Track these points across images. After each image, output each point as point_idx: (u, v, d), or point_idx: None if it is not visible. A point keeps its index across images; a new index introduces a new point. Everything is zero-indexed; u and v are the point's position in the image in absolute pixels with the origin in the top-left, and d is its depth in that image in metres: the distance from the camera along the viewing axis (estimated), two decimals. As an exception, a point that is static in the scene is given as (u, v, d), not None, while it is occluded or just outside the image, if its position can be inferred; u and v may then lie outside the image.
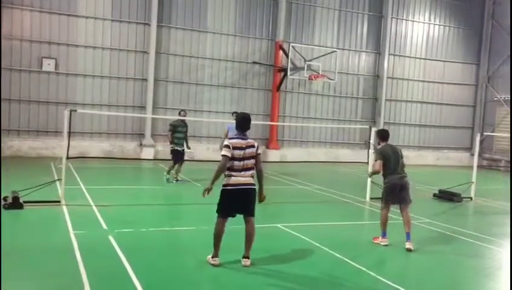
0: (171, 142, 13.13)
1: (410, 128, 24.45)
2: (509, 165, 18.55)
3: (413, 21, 24.00)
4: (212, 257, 6.36)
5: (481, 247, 8.27)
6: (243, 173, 6.26)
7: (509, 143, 23.94)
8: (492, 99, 24.94)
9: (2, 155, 15.80)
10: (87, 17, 18.48)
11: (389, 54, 23.40)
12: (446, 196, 12.99)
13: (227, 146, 6.24)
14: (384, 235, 7.97)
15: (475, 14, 25.06)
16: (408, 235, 7.71)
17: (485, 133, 21.83)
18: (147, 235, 7.79)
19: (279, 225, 8.63)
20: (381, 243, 7.90)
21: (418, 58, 24.26)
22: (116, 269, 6.01)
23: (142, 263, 6.32)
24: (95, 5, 18.55)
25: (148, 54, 19.23)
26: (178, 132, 13.18)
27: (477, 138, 14.03)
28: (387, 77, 23.45)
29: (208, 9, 20.35)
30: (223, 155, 6.26)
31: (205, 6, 20.29)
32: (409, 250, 7.53)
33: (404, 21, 23.81)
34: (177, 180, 13.40)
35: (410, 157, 23.70)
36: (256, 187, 6.42)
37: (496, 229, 9.91)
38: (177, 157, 13.19)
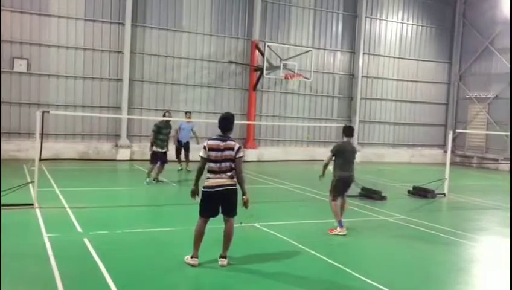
0: (153, 144, 12.91)
1: (385, 127, 24.78)
2: (510, 164, 18.90)
3: (386, 20, 24.33)
4: (192, 257, 6.33)
5: (455, 242, 8.44)
6: (219, 175, 6.19)
7: (480, 140, 24.51)
8: (464, 97, 25.46)
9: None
10: (59, 17, 18.15)
11: (364, 53, 23.66)
12: (420, 193, 13.22)
13: (204, 147, 6.26)
14: (341, 225, 8.40)
15: (447, 13, 25.55)
16: (340, 222, 8.43)
17: (457, 131, 22.28)
18: (122, 237, 7.71)
19: (257, 225, 8.65)
20: (340, 233, 8.30)
21: (391, 57, 24.60)
22: (91, 272, 5.93)
23: (118, 265, 6.26)
24: (67, 4, 18.24)
25: (122, 54, 19.01)
26: (161, 134, 13.03)
27: (450, 136, 14.32)
28: (362, 76, 23.72)
29: (183, 8, 20.23)
30: (200, 156, 6.30)
31: (180, 6, 20.17)
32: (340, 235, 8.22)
33: (378, 20, 24.11)
34: (156, 181, 13.21)
35: (385, 155, 24.13)
36: (239, 188, 6.38)
37: (469, 224, 10.13)
38: (156, 158, 13.00)
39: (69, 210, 9.32)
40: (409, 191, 13.53)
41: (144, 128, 19.25)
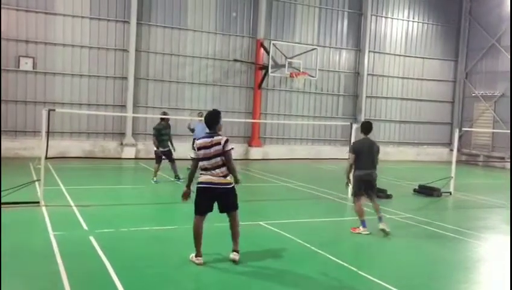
0: (158, 147, 13.05)
1: (390, 125, 24.70)
2: (510, 163, 18.80)
3: (392, 18, 24.23)
4: (196, 256, 6.34)
5: (461, 241, 8.40)
6: (211, 172, 6.23)
7: (486, 138, 24.39)
8: (470, 95, 25.33)
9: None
10: (65, 15, 18.21)
11: (369, 51, 23.58)
12: (426, 191, 13.16)
13: (193, 148, 6.39)
14: (364, 225, 8.26)
15: (453, 11, 25.41)
16: (380, 218, 8.21)
17: (463, 129, 22.18)
18: (128, 235, 7.73)
19: (261, 223, 8.64)
20: (362, 233, 8.19)
21: (397, 55, 24.50)
22: (97, 270, 5.95)
23: (123, 263, 6.27)
24: (72, 2, 18.29)
25: (128, 52, 19.04)
26: (162, 135, 13.12)
27: (456, 134, 14.25)
28: (368, 74, 23.65)
29: (188, 7, 20.24)
30: (190, 157, 6.38)
31: (185, 4, 20.17)
32: (383, 230, 8.05)
33: (383, 18, 24.02)
34: (178, 179, 13.14)
35: (390, 153, 24.03)
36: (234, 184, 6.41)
37: (475, 223, 10.08)
38: (160, 158, 13.10)
39: (75, 208, 9.35)
40: (414, 190, 13.49)
41: (149, 126, 19.19)
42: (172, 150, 13.35)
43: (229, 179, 6.29)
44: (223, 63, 20.99)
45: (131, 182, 13.38)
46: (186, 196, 6.46)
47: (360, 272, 6.27)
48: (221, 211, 6.40)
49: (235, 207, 6.40)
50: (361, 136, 8.45)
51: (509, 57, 23.10)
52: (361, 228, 8.24)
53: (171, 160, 13.27)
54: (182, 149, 19.50)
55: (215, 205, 6.39)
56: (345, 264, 6.59)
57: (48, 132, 9.52)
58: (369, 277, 6.12)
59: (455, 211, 12.00)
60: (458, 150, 16.15)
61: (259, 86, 21.23)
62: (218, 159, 6.20)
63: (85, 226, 8.03)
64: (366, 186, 8.32)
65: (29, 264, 6.10)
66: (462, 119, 25.65)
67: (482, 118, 24.80)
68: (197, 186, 6.32)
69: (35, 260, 6.32)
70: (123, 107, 19.14)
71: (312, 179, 15.20)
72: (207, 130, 6.48)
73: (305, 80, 21.77)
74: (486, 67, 24.65)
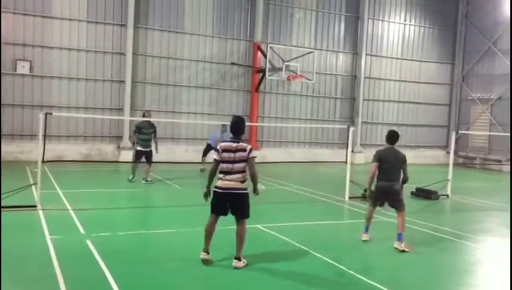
0: (134, 143, 13.53)
1: (387, 128, 24.57)
2: (510, 165, 18.83)
3: (389, 21, 24.30)
4: (202, 251, 6.52)
5: (458, 243, 8.41)
6: (229, 176, 6.37)
7: (483, 141, 24.45)
8: (467, 98, 25.40)
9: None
10: (62, 19, 18.18)
11: (366, 54, 23.62)
12: (423, 194, 13.18)
13: (217, 150, 6.52)
14: (366, 230, 8.13)
15: (449, 14, 25.50)
16: (399, 236, 7.72)
17: (460, 132, 22.23)
18: (125, 239, 7.71)
19: (259, 226, 8.63)
20: (362, 238, 8.07)
21: (394, 58, 24.55)
22: (94, 274, 5.93)
23: (121, 267, 6.25)
24: (70, 6, 18.27)
25: (125, 56, 19.03)
26: (142, 133, 13.35)
27: (453, 136, 14.29)
28: (365, 77, 23.68)
29: (185, 10, 20.25)
30: (214, 159, 6.57)
31: (182, 8, 20.19)
32: (396, 248, 7.60)
33: (380, 22, 24.08)
34: (146, 181, 13.46)
35: (388, 156, 24.01)
36: (249, 189, 6.53)
37: (473, 226, 10.10)
38: (139, 157, 13.47)
39: (71, 212, 9.32)
40: (412, 193, 13.50)
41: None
42: (155, 152, 13.57)
43: (245, 184, 6.45)
44: (220, 66, 20.99)
45: (128, 185, 13.35)
46: (206, 196, 6.60)
47: (358, 276, 6.27)
48: (232, 213, 6.52)
49: (246, 215, 6.52)
50: (387, 145, 8.06)
51: (509, 61, 23.18)
52: (363, 234, 8.12)
53: (149, 161, 13.48)
54: (179, 150, 19.60)
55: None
56: (343, 267, 6.59)
57: (44, 136, 9.50)
58: (366, 280, 6.12)
59: (452, 213, 12.02)
60: (455, 153, 16.20)
61: (257, 89, 21.24)
62: (241, 165, 6.36)
63: (82, 230, 8.00)
64: (388, 199, 7.96)
65: (25, 268, 6.08)
66: (459, 122, 25.70)
67: (479, 121, 24.87)
68: (214, 190, 6.47)
69: (31, 264, 6.29)
70: (120, 110, 19.12)
71: (309, 182, 15.20)
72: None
73: (302, 83, 21.79)
74: (483, 70, 24.73)
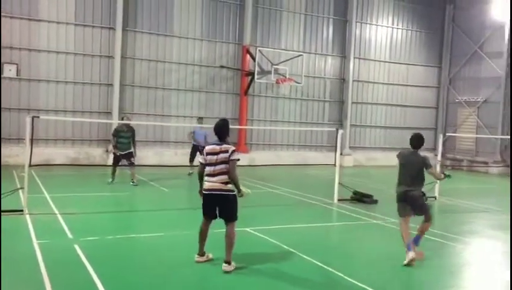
0: (114, 147, 13.68)
1: (376, 130, 24.89)
2: (510, 167, 18.97)
3: (377, 25, 24.47)
4: (197, 254, 6.63)
5: (446, 245, 8.48)
6: (213, 178, 6.39)
7: (470, 143, 24.70)
8: (454, 101, 25.65)
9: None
10: (49, 22, 18.06)
11: (354, 58, 23.77)
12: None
13: (202, 153, 6.60)
14: (408, 248, 7.04)
15: (436, 18, 25.76)
16: (416, 239, 7.30)
17: (447, 134, 22.41)
18: (113, 243, 7.67)
19: (248, 229, 8.63)
20: (412, 257, 6.93)
21: (382, 61, 24.73)
22: (82, 279, 5.88)
23: (109, 271, 6.21)
24: (57, 9, 18.16)
25: (113, 59, 18.94)
26: (121, 137, 13.54)
27: (440, 139, 14.42)
28: (353, 80, 23.82)
29: (174, 13, 20.23)
30: (199, 162, 6.65)
31: (171, 11, 20.16)
32: (411, 260, 6.93)
33: (368, 25, 24.25)
34: (133, 183, 13.69)
35: (376, 159, 24.21)
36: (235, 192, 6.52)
37: (460, 227, 10.18)
38: (118, 160, 13.74)
39: (59, 216, 9.25)
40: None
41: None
42: (134, 154, 13.82)
43: (231, 186, 6.44)
44: (209, 70, 20.98)
45: (116, 189, 13.28)
46: (201, 195, 6.64)
47: (347, 278, 6.30)
48: (220, 216, 6.54)
49: (233, 218, 6.50)
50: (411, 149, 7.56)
51: (495, 64, 23.47)
52: (409, 253, 6.99)
53: (131, 163, 13.73)
54: (168, 154, 19.54)
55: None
56: (331, 269, 6.61)
57: (31, 139, 9.42)
58: (356, 282, 6.15)
59: (440, 215, 12.08)
60: (442, 155, 16.31)
61: (246, 92, 21.26)
62: (223, 166, 6.37)
63: (70, 235, 7.94)
64: (404, 206, 7.33)
65: (12, 273, 6.01)
66: (446, 125, 25.95)
67: (466, 124, 25.13)
68: (202, 192, 6.53)
69: (18, 268, 6.23)
70: (108, 113, 19.02)
71: (298, 185, 15.24)
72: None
73: (291, 86, 21.86)
74: (470, 73, 25.00)
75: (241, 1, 21.17)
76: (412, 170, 7.32)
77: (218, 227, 6.75)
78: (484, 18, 23.72)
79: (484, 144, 23.75)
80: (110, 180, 13.75)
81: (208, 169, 6.44)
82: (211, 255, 6.70)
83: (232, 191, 6.45)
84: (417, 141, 7.55)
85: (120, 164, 14.01)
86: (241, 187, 6.47)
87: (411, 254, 6.93)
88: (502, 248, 8.58)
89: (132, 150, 13.76)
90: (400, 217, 7.44)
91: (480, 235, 9.81)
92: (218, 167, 6.37)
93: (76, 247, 7.14)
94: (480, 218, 11.56)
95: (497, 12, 22.63)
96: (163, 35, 20.03)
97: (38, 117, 10.43)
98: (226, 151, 6.40)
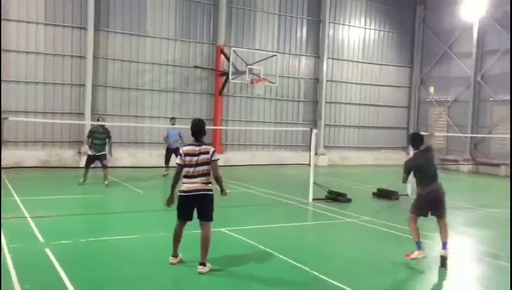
0: (90, 147, 13.70)
1: (349, 130, 25.16)
2: (510, 168, 19.32)
3: (349, 26, 24.75)
4: (171, 256, 6.56)
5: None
6: (193, 179, 6.34)
7: (441, 142, 25.21)
8: (425, 100, 26.15)
9: None
10: (18, 21, 17.66)
11: (328, 58, 23.99)
12: (384, 194, 13.46)
13: (180, 155, 6.44)
14: (418, 247, 7.16)
15: (407, 19, 26.21)
16: (444, 244, 7.17)
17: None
18: (86, 246, 7.54)
19: (223, 229, 8.61)
20: (418, 257, 7.11)
21: (355, 61, 25.03)
22: (53, 283, 5.77)
23: (82, 275, 6.11)
24: (27, 8, 17.77)
25: (85, 59, 18.65)
26: (95, 138, 13.55)
27: (412, 138, 14.63)
28: (327, 80, 24.03)
29: (147, 13, 20.03)
30: (176, 163, 6.49)
31: (144, 10, 19.96)
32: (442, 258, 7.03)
33: (341, 26, 24.50)
34: (107, 185, 13.62)
35: (350, 158, 24.48)
36: (213, 192, 6.50)
37: (432, 225, 10.22)
38: (91, 161, 13.73)
39: (30, 219, 9.05)
40: (373, 193, 13.76)
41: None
42: (109, 156, 13.86)
43: (211, 186, 6.43)
44: (184, 70, 20.86)
45: (89, 191, 13.07)
46: (169, 202, 6.55)
47: (321, 276, 6.35)
48: (198, 217, 6.48)
49: (211, 218, 6.50)
50: (414, 150, 7.39)
51: (464, 64, 24.01)
52: (416, 251, 7.13)
53: (104, 165, 13.71)
54: (143, 155, 19.34)
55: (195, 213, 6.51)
56: (306, 268, 6.65)
57: (0, 141, 9.19)
58: (331, 280, 6.20)
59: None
60: (414, 154, 16.57)
61: (220, 93, 21.22)
62: (205, 167, 6.34)
63: (41, 238, 7.78)
64: (430, 207, 7.21)
65: (-19, 280, 5.85)
66: (418, 124, 26.43)
67: (437, 123, 25.65)
68: (179, 195, 6.42)
69: (-13, 274, 6.06)
70: (81, 114, 18.71)
71: (274, 185, 15.29)
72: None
73: (266, 86, 21.92)
74: (440, 73, 25.53)
75: (214, 1, 21.13)
76: (432, 169, 7.22)
77: (191, 228, 6.72)
78: (453, 19, 24.23)
79: (455, 142, 24.29)
80: (82, 180, 13.65)
81: (186, 170, 6.36)
82: (181, 256, 6.66)
83: (211, 190, 6.43)
84: (416, 140, 7.45)
85: (93, 165, 13.86)
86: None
87: (423, 252, 7.09)
88: (472, 245, 8.79)
89: (106, 152, 13.70)
90: (415, 215, 7.30)
91: (453, 232, 9.99)
92: (200, 168, 6.32)
93: (48, 251, 6.99)
94: (452, 215, 11.72)
95: (466, 13, 23.14)
96: (136, 35, 19.83)
97: (7, 118, 10.20)
98: (207, 153, 6.35)
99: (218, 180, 6.48)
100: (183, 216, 6.50)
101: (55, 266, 6.35)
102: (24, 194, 11.70)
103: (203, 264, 6.33)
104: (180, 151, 6.49)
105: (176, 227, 6.57)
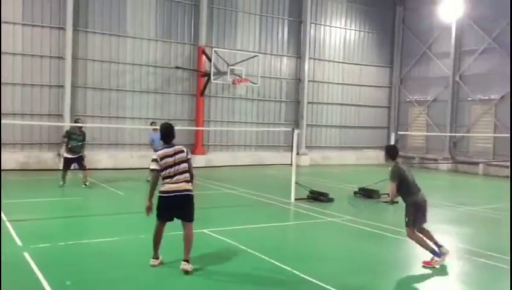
0: (65, 150, 13.64)
1: (331, 130, 25.30)
2: (510, 168, 19.52)
3: (330, 26, 24.90)
4: (152, 258, 6.51)
5: (399, 240, 8.69)
6: (175, 178, 6.36)
7: (421, 141, 25.52)
8: (405, 100, 26.44)
9: None
10: (-5, 21, 17.36)
11: (309, 58, 24.09)
12: (366, 193, 13.56)
13: (155, 160, 6.41)
14: (435, 254, 7.04)
15: (387, 19, 26.48)
16: (438, 245, 7.14)
17: (399, 133, 23.06)
18: (65, 250, 7.43)
19: (205, 231, 8.57)
20: (435, 265, 6.98)
21: (336, 62, 25.18)
22: (33, 288, 5.67)
23: (61, 278, 6.01)
24: (3, 8, 17.42)
25: (64, 60, 18.40)
26: (72, 140, 13.48)
27: (393, 137, 14.80)
28: (308, 81, 24.13)
29: (127, 13, 19.85)
30: (151, 169, 6.44)
31: (124, 10, 19.77)
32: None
33: (322, 26, 24.63)
34: (85, 186, 13.58)
35: (332, 158, 24.61)
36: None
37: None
38: (68, 163, 13.61)
39: (7, 223, 8.87)
40: (355, 193, 13.85)
41: (88, 136, 18.56)
42: (82, 155, 13.74)
43: (191, 185, 6.48)
44: (165, 70, 20.73)
45: (69, 193, 12.89)
46: (148, 210, 6.47)
47: (302, 275, 6.36)
48: (179, 217, 6.47)
49: (192, 218, 6.52)
50: (395, 160, 7.38)
51: (442, 64, 24.34)
52: (435, 258, 7.03)
53: (82, 166, 13.64)
54: (123, 156, 19.16)
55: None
56: (288, 268, 6.66)
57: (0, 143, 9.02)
58: (314, 280, 6.22)
59: (394, 212, 12.35)
60: (395, 153, 16.73)
61: (202, 93, 21.14)
62: (184, 165, 6.40)
63: (19, 242, 7.64)
64: (424, 213, 7.21)
65: (-44, 285, 5.72)
66: (398, 123, 26.71)
67: (416, 122, 25.95)
68: (160, 195, 6.40)
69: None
70: (60, 116, 18.45)
71: (256, 185, 15.28)
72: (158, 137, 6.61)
73: (247, 86, 21.92)
74: (419, 73, 25.84)
75: (195, 1, 21.05)
76: (413, 177, 7.30)
77: (172, 230, 6.68)
78: (432, 19, 24.53)
79: (434, 141, 24.61)
80: (61, 183, 13.52)
81: (167, 172, 6.35)
82: (161, 258, 6.62)
83: (192, 191, 6.48)
84: (397, 151, 7.64)
85: (72, 167, 13.77)
86: None
87: (443, 258, 7.02)
88: (452, 243, 8.90)
89: (82, 153, 13.69)
90: (415, 227, 7.16)
91: (431, 229, 10.11)
92: (181, 166, 6.38)
93: (26, 255, 6.88)
94: (432, 213, 11.86)
95: (444, 13, 23.47)
96: (116, 35, 19.63)
97: (-17, 120, 9.99)
98: (182, 151, 6.44)
99: (192, 178, 6.53)
100: (164, 217, 6.47)
101: (34, 270, 6.25)
102: (2, 197, 11.46)
103: (187, 261, 6.32)
104: (154, 156, 6.42)
105: (155, 228, 6.54)
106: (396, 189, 7.11)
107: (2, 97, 17.62)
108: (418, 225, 7.17)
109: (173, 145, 6.47)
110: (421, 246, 7.17)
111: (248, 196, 13.30)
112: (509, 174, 19.01)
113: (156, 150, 15.85)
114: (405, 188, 7.14)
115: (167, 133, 6.54)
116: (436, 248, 7.08)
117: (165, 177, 6.38)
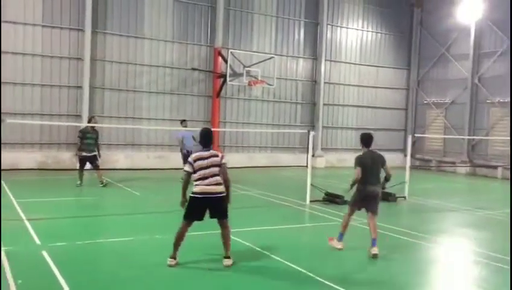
0: (79, 149, 13.82)
1: (347, 132, 25.17)
2: (510, 170, 19.29)
3: (347, 28, 24.79)
4: (170, 258, 6.59)
5: (415, 244, 8.64)
6: (208, 180, 6.57)
7: (438, 144, 25.25)
8: (423, 102, 26.19)
9: None
10: (15, 23, 17.63)
11: (326, 60, 24.00)
12: (381, 196, 13.40)
13: (189, 162, 6.66)
14: (340, 238, 7.90)
15: (404, 21, 26.26)
16: (374, 241, 7.60)
17: (416, 135, 22.86)
18: (82, 249, 7.52)
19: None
20: (336, 246, 7.88)
21: (352, 63, 25.05)
22: (50, 286, 5.76)
23: (79, 278, 6.10)
24: (24, 10, 17.74)
25: (82, 61, 18.64)
26: (87, 138, 13.68)
27: (409, 140, 14.68)
28: (325, 82, 24.04)
29: (144, 15, 20.03)
30: (184, 171, 6.75)
31: (142, 12, 19.96)
32: (374, 256, 7.43)
33: (338, 28, 24.53)
34: (102, 184, 13.79)
35: (348, 160, 24.40)
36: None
37: (428, 226, 10.39)
38: (84, 163, 13.84)
39: (26, 222, 9.03)
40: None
41: (106, 136, 18.88)
42: (98, 156, 13.92)
43: (222, 187, 6.67)
44: (181, 72, 20.86)
45: (86, 193, 13.05)
46: (183, 204, 6.71)
47: (317, 278, 6.34)
48: (213, 217, 6.71)
49: (226, 215, 6.77)
50: (364, 149, 7.98)
51: (461, 66, 24.06)
52: (335, 240, 7.93)
53: (96, 166, 13.83)
54: (140, 157, 19.32)
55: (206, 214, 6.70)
56: (304, 270, 6.65)
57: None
58: (328, 283, 6.19)
59: (410, 215, 12.32)
60: (412, 156, 16.61)
61: (218, 95, 21.21)
62: (216, 169, 6.63)
63: (37, 241, 7.76)
64: (367, 202, 7.79)
65: (-24, 282, 5.84)
66: (415, 126, 26.45)
67: (434, 124, 25.68)
68: (192, 196, 6.59)
69: (-17, 277, 6.05)
70: (78, 117, 18.68)
71: (271, 187, 15.27)
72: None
73: (263, 88, 21.92)
74: (437, 75, 25.57)
75: (212, 3, 21.14)
76: (377, 169, 7.84)
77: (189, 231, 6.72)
78: (450, 21, 24.25)
79: (452, 144, 24.32)
80: (79, 182, 13.74)
81: (199, 173, 6.56)
82: (177, 259, 6.68)
83: (224, 191, 6.70)
84: (369, 138, 8.15)
85: (86, 167, 13.99)
86: None
87: (341, 244, 7.83)
88: (470, 247, 8.80)
89: (96, 152, 13.84)
90: (351, 207, 7.97)
91: (449, 234, 10.03)
92: (213, 169, 6.60)
93: (45, 253, 6.98)
94: (448, 217, 11.82)
95: (462, 15, 23.20)
96: (134, 37, 19.82)
97: (5, 121, 10.16)
98: (217, 156, 6.70)
99: (227, 183, 6.73)
100: (194, 217, 6.63)
101: (52, 268, 6.34)
102: (20, 196, 11.68)
103: (229, 257, 6.63)
104: (189, 159, 6.67)
105: (181, 227, 6.65)
106: (358, 174, 7.65)
107: (23, 97, 17.95)
108: (354, 207, 7.90)
109: (210, 149, 6.73)
110: (341, 223, 8.00)
111: (263, 198, 13.31)
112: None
113: (185, 149, 15.81)
114: (363, 175, 7.66)
115: (206, 137, 6.83)
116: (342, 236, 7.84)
117: (198, 179, 6.58)
